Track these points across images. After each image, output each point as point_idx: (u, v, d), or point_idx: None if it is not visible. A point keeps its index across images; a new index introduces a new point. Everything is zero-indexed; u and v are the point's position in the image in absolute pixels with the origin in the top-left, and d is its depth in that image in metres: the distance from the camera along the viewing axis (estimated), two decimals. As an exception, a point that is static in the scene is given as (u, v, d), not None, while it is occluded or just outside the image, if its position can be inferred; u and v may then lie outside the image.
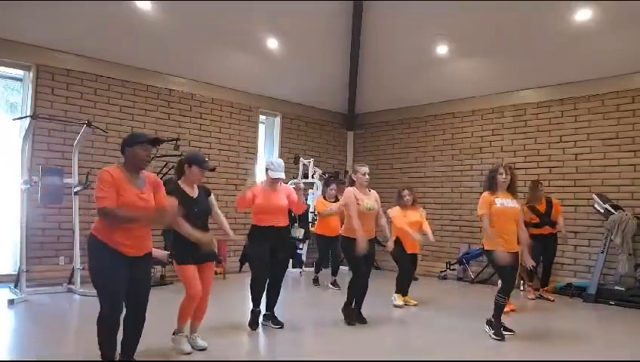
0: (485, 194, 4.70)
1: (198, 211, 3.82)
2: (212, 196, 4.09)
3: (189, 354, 3.80)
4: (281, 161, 4.86)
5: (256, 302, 4.75)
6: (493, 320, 4.60)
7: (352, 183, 5.05)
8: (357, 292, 5.05)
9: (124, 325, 3.15)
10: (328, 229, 7.12)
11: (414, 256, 6.21)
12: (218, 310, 4.76)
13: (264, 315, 4.86)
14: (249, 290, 4.73)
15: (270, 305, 4.86)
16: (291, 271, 8.83)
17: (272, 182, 4.75)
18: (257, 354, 4.35)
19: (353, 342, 4.47)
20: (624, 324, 5.61)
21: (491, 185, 4.70)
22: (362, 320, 5.06)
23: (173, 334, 3.89)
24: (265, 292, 4.79)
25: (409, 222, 5.99)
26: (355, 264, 4.99)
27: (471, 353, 4.18)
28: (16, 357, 3.85)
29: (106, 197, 2.91)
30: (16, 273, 6.09)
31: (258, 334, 4.67)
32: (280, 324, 4.79)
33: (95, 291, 3.09)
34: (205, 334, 4.08)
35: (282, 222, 4.76)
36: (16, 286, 5.91)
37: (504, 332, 4.57)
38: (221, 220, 4.11)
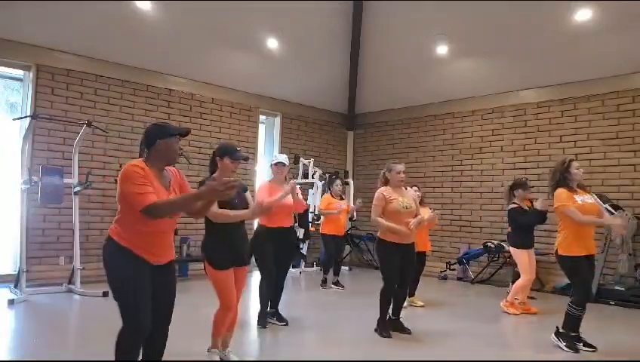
0: (564, 189, 4.16)
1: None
2: (248, 192, 3.78)
3: None
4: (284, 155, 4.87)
5: (265, 304, 4.73)
6: (563, 330, 4.21)
7: (386, 183, 4.64)
8: (389, 303, 4.58)
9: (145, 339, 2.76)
10: (339, 228, 7.18)
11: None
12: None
13: (269, 313, 4.86)
14: (258, 291, 4.76)
15: (275, 303, 4.88)
16: (291, 272, 8.84)
17: (279, 175, 4.69)
18: (259, 353, 4.34)
19: (356, 345, 4.46)
20: (624, 324, 5.60)
21: (565, 180, 4.17)
22: (404, 330, 4.66)
23: (208, 351, 3.58)
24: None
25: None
26: (388, 272, 4.52)
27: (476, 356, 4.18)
28: (16, 357, 3.85)
29: (147, 193, 2.51)
30: (16, 273, 6.09)
31: (260, 334, 4.66)
32: (285, 321, 4.81)
33: (116, 302, 2.62)
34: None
35: (289, 222, 4.73)
36: (16, 286, 5.90)
37: (583, 348, 4.21)
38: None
